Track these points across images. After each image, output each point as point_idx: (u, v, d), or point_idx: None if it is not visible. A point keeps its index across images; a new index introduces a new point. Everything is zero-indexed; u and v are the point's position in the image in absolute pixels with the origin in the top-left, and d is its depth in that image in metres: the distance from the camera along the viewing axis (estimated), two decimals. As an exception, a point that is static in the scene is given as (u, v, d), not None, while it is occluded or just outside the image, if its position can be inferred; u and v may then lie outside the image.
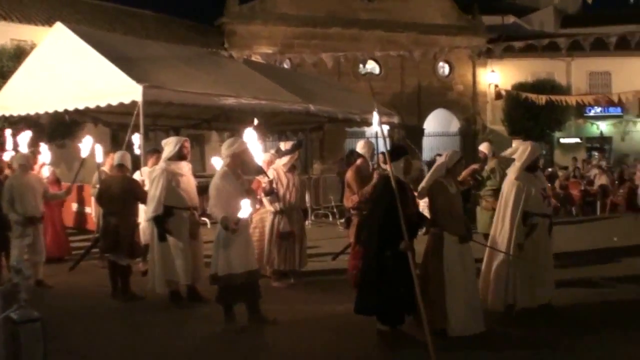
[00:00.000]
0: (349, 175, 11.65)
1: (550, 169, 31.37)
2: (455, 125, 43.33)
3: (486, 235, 11.62)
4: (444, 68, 42.15)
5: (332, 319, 10.05)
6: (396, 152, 9.05)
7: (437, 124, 42.16)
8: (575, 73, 43.14)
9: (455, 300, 8.72)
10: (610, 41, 19.03)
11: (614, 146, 44.11)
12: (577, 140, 43.45)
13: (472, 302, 8.95)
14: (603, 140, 44.34)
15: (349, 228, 11.85)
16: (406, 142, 22.10)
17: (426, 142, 39.38)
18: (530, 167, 10.12)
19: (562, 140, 43.11)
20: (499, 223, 10.09)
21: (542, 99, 30.59)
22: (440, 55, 36.21)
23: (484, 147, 14.51)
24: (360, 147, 12.15)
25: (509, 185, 10.09)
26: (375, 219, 8.83)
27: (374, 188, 9.72)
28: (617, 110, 43.30)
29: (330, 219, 23.28)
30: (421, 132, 40.05)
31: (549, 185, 15.82)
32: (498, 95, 41.60)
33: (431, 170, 9.32)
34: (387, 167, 8.76)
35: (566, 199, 26.46)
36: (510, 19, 48.44)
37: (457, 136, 42.53)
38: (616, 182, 29.12)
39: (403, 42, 36.87)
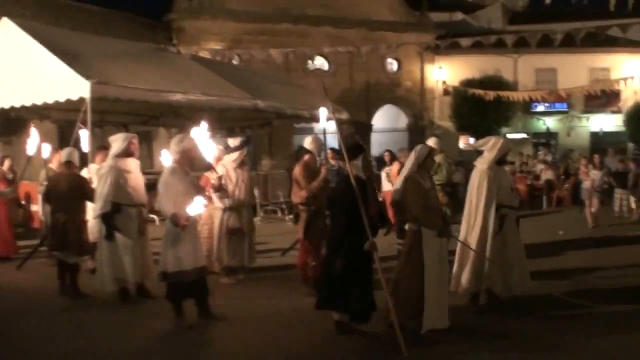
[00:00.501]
0: (297, 171, 11.66)
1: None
2: (403, 121, 43.54)
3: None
4: (392, 64, 42.29)
5: (281, 315, 10.10)
6: (355, 150, 9.01)
7: (385, 120, 42.33)
8: (522, 69, 43.63)
9: (430, 296, 8.73)
10: (556, 38, 19.29)
11: (560, 141, 44.69)
12: (524, 135, 43.91)
13: (443, 297, 8.99)
14: (549, 136, 44.89)
15: (297, 224, 11.88)
16: (355, 138, 22.20)
17: (375, 138, 39.57)
18: (499, 161, 10.29)
19: (509, 136, 43.38)
20: (472, 213, 10.19)
21: (489, 95, 30.86)
22: (389, 52, 36.41)
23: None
24: (307, 143, 12.14)
25: (480, 176, 10.18)
26: (337, 218, 8.85)
27: (334, 187, 9.69)
28: (563, 106, 43.92)
29: (279, 214, 23.31)
30: (369, 128, 40.20)
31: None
32: (446, 92, 41.94)
33: (403, 169, 9.33)
34: (335, 162, 8.80)
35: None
36: (459, 16, 48.76)
37: (405, 132, 42.74)
38: (562, 176, 29.55)
39: (352, 38, 36.90)
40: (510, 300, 10.12)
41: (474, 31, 41.14)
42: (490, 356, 8.27)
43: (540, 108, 44.14)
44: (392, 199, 9.50)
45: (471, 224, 10.15)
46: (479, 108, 36.96)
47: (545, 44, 20.78)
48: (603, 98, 41.00)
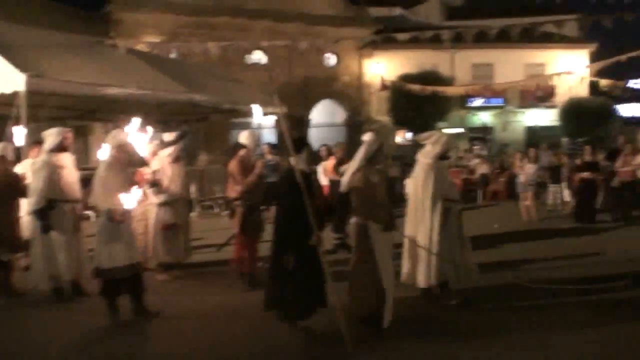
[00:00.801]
0: (232, 165, 11.67)
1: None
2: (341, 116, 43.65)
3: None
4: (330, 59, 42.37)
5: (217, 311, 10.14)
6: (299, 143, 9.00)
7: (323, 115, 42.38)
8: (459, 65, 43.99)
9: (389, 289, 8.80)
10: (492, 33, 19.46)
11: (496, 136, 45.20)
12: (460, 130, 44.29)
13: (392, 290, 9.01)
14: (485, 131, 45.38)
15: (233, 219, 11.87)
16: (292, 133, 22.19)
17: (313, 133, 39.56)
18: (442, 156, 10.38)
19: (446, 131, 43.87)
20: (419, 208, 10.26)
21: (426, 90, 31.05)
22: (327, 46, 36.45)
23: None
24: (243, 137, 12.12)
25: (425, 170, 10.26)
26: (282, 213, 8.80)
27: (278, 182, 9.68)
28: (499, 101, 44.41)
29: (216, 210, 23.23)
30: (308, 123, 40.22)
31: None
32: (383, 87, 42.08)
33: (352, 162, 9.32)
34: (271, 157, 8.77)
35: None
36: (397, 11, 48.90)
37: (343, 127, 42.84)
38: (497, 170, 29.94)
39: (291, 32, 36.82)
40: (462, 291, 10.30)
41: (412, 26, 41.37)
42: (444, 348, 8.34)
43: (477, 103, 44.56)
44: (339, 192, 9.54)
45: (419, 219, 10.23)
46: (416, 103, 37.15)
47: (482, 40, 20.97)
48: (538, 93, 41.64)
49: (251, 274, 11.57)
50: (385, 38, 23.90)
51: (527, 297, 10.75)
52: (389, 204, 9.23)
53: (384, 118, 41.81)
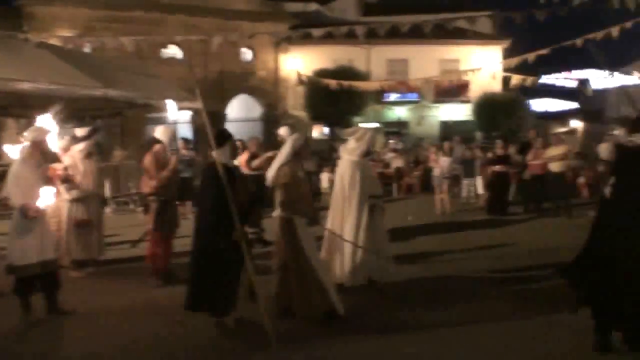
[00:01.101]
0: (147, 161, 11.58)
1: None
2: (257, 110, 43.61)
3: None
4: (247, 54, 42.31)
5: (134, 308, 10.05)
6: (221, 137, 8.91)
7: (240, 110, 42.30)
8: (375, 60, 44.42)
9: (327, 278, 8.86)
10: (407, 29, 19.63)
11: (411, 130, 45.69)
12: (376, 125, 44.61)
13: (322, 282, 8.98)
14: (400, 125, 45.83)
15: (147, 214, 11.77)
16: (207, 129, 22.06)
17: (229, 128, 39.31)
18: (366, 152, 10.43)
19: (362, 125, 44.17)
20: (345, 204, 10.27)
21: (342, 85, 31.14)
22: (243, 41, 36.35)
23: (283, 131, 14.83)
24: (158, 133, 12.04)
25: (351, 167, 10.32)
26: (205, 208, 8.66)
27: (201, 177, 9.43)
28: (414, 96, 44.93)
29: (131, 206, 23.00)
30: (224, 117, 40.06)
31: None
32: (300, 82, 42.13)
33: (278, 156, 9.31)
34: (187, 152, 8.67)
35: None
36: (313, 6, 49.05)
37: (259, 122, 42.80)
38: (411, 164, 30.26)
39: (206, 27, 36.70)
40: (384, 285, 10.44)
41: (328, 22, 41.57)
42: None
43: (392, 98, 45.11)
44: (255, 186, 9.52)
45: (345, 215, 10.24)
46: (332, 98, 37.31)
47: (397, 35, 21.11)
48: (452, 88, 42.22)
49: (164, 270, 11.50)
50: (301, 33, 23.97)
51: (454, 288, 10.92)
52: (311, 198, 9.28)
53: (300, 113, 41.94)
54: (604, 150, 18.07)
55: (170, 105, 10.70)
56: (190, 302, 8.62)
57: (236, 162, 16.39)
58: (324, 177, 26.38)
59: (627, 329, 7.11)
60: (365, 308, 9.72)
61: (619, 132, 40.39)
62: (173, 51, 38.74)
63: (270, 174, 9.19)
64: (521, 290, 10.71)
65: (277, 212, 9.12)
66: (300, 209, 8.87)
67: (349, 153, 10.53)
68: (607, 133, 27.79)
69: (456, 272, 11.96)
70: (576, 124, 68.36)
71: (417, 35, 21.50)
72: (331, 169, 25.53)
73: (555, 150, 20.28)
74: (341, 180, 10.48)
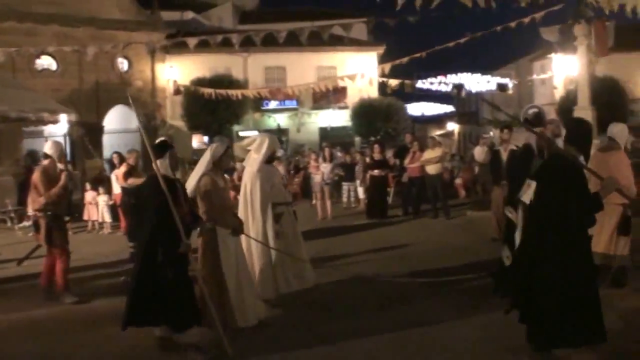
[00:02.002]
0: (36, 176, 11.31)
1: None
2: (135, 121, 42.99)
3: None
4: (123, 64, 41.67)
5: (38, 325, 9.78)
6: (160, 147, 8.52)
7: (117, 121, 41.58)
8: (252, 68, 44.50)
9: (236, 293, 8.68)
10: (282, 37, 19.73)
11: (291, 137, 45.87)
12: (255, 133, 44.64)
13: (249, 294, 8.94)
14: (280, 132, 45.95)
15: (38, 232, 11.45)
16: (84, 141, 21.72)
17: (107, 140, 38.81)
18: (269, 159, 10.38)
19: (241, 134, 44.18)
20: (248, 216, 10.20)
21: (219, 93, 31.01)
22: (119, 51, 35.86)
23: (199, 140, 14.99)
24: (47, 147, 11.75)
25: (252, 178, 10.21)
26: (147, 222, 8.20)
27: (142, 190, 8.82)
28: (292, 103, 45.13)
29: (9, 224, 22.32)
30: (101, 129, 39.41)
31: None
32: (177, 91, 41.85)
33: (197, 167, 9.11)
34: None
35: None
36: (190, 15, 48.82)
37: (137, 132, 42.29)
38: (291, 171, 30.36)
39: (80, 37, 35.98)
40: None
41: (204, 30, 41.46)
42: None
43: (271, 105, 45.14)
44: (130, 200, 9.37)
45: (249, 227, 10.18)
46: (210, 107, 37.24)
47: (274, 43, 21.21)
48: (331, 94, 42.59)
49: (56, 286, 11.28)
50: (178, 42, 23.81)
51: (366, 292, 11.01)
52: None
53: (179, 122, 41.66)
54: (479, 153, 18.61)
55: (48, 117, 10.46)
56: (131, 319, 8.12)
57: (113, 175, 16.25)
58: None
59: (531, 327, 7.23)
60: (292, 319, 9.63)
61: (493, 134, 41.53)
62: (47, 62, 37.89)
63: (191, 184, 8.98)
64: (442, 291, 10.79)
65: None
66: (223, 219, 8.73)
67: (250, 164, 10.48)
68: (482, 136, 28.46)
69: (359, 276, 12.03)
70: (452, 126, 70.11)
71: (294, 42, 21.68)
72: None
73: (432, 153, 20.66)
74: (244, 191, 10.44)
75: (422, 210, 21.18)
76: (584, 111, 17.91)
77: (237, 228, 8.99)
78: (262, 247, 10.16)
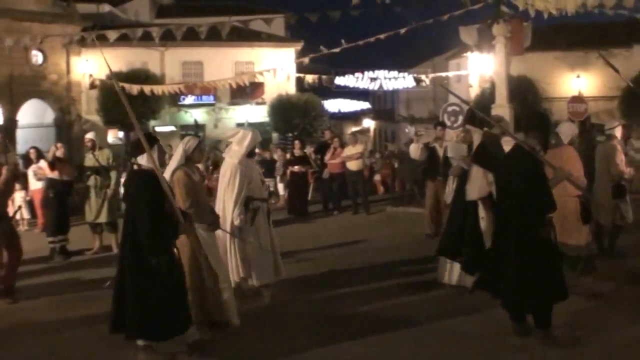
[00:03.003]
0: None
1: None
2: (50, 115, 42.39)
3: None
4: (37, 57, 41.01)
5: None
6: (147, 141, 7.97)
7: (31, 115, 40.94)
8: (169, 63, 44.32)
9: (211, 288, 8.57)
10: (201, 31, 19.67)
11: (208, 133, 45.64)
12: (172, 128, 44.45)
13: (225, 291, 8.76)
14: (197, 128, 45.72)
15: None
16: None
17: (21, 135, 38.09)
18: (250, 153, 10.33)
19: (158, 129, 43.86)
20: (227, 207, 10.09)
21: (134, 88, 30.69)
22: (33, 44, 35.28)
23: (91, 135, 15.02)
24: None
25: (232, 169, 10.12)
26: (139, 220, 7.65)
27: (126, 185, 8.27)
28: (210, 99, 44.94)
29: None
30: (14, 123, 38.71)
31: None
32: (93, 85, 41.38)
33: (171, 161, 8.94)
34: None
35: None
36: (106, 8, 48.28)
37: (52, 127, 41.69)
38: (210, 167, 30.30)
39: (-7, 28, 35.35)
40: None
41: (121, 23, 41.00)
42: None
43: (188, 100, 44.90)
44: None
45: (227, 220, 10.09)
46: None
47: (192, 38, 21.13)
48: (248, 90, 42.53)
49: (7, 287, 11.07)
50: (94, 35, 23.55)
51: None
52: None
53: (94, 117, 41.18)
54: (414, 150, 18.87)
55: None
56: (114, 324, 7.81)
57: (32, 171, 16.06)
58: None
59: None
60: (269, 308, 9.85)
61: (409, 130, 42.01)
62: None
63: (165, 177, 8.45)
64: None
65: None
66: (199, 214, 8.46)
67: (231, 156, 10.39)
68: (418, 132, 28.74)
69: (310, 271, 12.28)
70: (368, 123, 70.61)
71: (212, 37, 21.65)
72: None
73: (353, 149, 20.90)
74: (223, 181, 10.34)
75: (343, 206, 21.42)
76: (502, 109, 18.37)
77: (214, 223, 8.84)
78: (232, 240, 10.06)
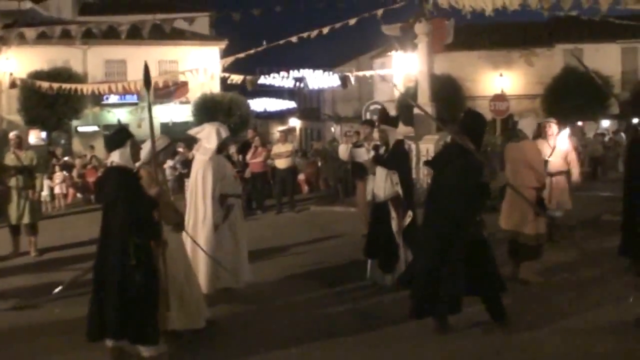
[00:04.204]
0: None
1: (67, 158, 31.58)
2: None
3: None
4: (-46, 54, 40.27)
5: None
6: (120, 136, 7.87)
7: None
8: (92, 61, 43.71)
9: (175, 293, 8.16)
10: (123, 29, 19.49)
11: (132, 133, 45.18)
12: (95, 128, 43.94)
13: (193, 294, 8.59)
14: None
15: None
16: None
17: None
18: (219, 149, 10.16)
19: (80, 129, 43.39)
20: (199, 204, 9.92)
21: (53, 87, 30.25)
22: (-50, 41, 34.62)
23: (18, 133, 15.05)
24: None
25: (204, 166, 9.93)
26: (116, 219, 7.41)
27: (101, 184, 8.04)
28: (133, 98, 44.38)
29: None
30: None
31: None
32: (13, 84, 40.68)
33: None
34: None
35: (85, 187, 26.81)
36: (27, 5, 47.42)
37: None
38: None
39: None
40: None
41: (43, 21, 40.38)
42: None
43: (111, 100, 44.20)
44: None
45: (200, 218, 9.90)
46: (48, 101, 36.38)
47: (115, 36, 20.91)
48: (172, 89, 42.24)
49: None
50: (14, 33, 23.16)
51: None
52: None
53: (15, 117, 40.47)
54: (343, 150, 18.97)
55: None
56: (93, 331, 7.52)
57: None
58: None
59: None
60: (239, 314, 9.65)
61: (334, 130, 42.10)
62: None
63: None
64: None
65: None
66: (165, 215, 8.04)
67: (201, 152, 10.20)
68: (347, 133, 28.75)
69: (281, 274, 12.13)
70: (294, 122, 70.76)
71: (135, 35, 21.44)
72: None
73: (282, 148, 21.02)
74: (194, 182, 10.15)
75: (266, 205, 21.43)
76: (425, 107, 18.45)
77: (180, 224, 8.66)
78: (208, 237, 9.82)
